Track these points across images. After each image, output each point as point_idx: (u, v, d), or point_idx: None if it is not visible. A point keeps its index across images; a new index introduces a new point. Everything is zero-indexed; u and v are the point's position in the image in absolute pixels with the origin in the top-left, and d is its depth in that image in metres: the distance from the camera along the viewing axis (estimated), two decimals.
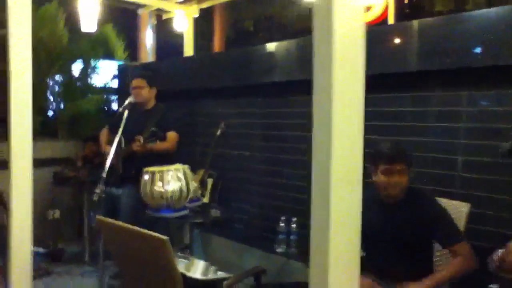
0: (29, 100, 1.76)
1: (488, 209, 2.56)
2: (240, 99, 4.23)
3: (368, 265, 2.31)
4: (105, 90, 5.37)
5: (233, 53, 4.45)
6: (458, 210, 2.50)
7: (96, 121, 5.00)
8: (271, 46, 3.81)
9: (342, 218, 0.88)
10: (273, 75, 3.76)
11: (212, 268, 2.01)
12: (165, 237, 1.75)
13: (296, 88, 3.71)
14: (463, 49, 2.65)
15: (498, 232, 2.48)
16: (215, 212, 3.04)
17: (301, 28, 10.54)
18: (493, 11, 2.52)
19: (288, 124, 3.80)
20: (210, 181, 4.14)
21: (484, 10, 2.59)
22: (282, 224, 3.55)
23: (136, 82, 3.64)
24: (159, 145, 3.32)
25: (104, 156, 3.76)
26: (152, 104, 3.74)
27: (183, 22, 5.08)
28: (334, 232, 0.89)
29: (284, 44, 3.73)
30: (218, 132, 4.30)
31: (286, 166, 3.80)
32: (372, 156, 2.31)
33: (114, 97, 5.49)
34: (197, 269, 1.99)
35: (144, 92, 3.63)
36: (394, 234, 2.21)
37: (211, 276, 1.98)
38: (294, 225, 3.51)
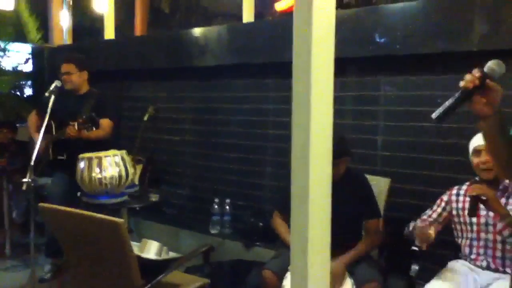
0: None
1: (406, 184, 2.88)
2: (170, 83, 4.23)
3: None
4: (17, 73, 5.03)
5: (162, 36, 4.41)
6: (379, 185, 2.80)
7: (8, 105, 4.68)
8: (202, 31, 3.85)
9: (319, 188, 1.01)
10: (204, 59, 3.82)
11: (165, 248, 2.07)
12: (120, 220, 1.78)
13: (227, 73, 3.81)
14: (380, 38, 2.93)
15: (415, 204, 2.81)
16: (154, 197, 3.06)
17: (219, 11, 10.55)
18: (413, 4, 2.80)
19: (219, 108, 3.90)
20: (138, 167, 4.11)
21: (405, 4, 2.86)
22: (216, 206, 3.65)
23: (64, 67, 3.48)
24: (93, 133, 3.24)
25: (31, 144, 3.59)
26: (85, 88, 3.61)
27: (104, 3, 4.89)
28: (312, 200, 1.01)
29: (215, 28, 3.80)
30: (146, 117, 4.27)
31: (218, 149, 3.90)
32: None
33: (28, 81, 5.16)
34: (150, 250, 2.03)
35: (74, 78, 3.49)
36: (333, 210, 2.42)
37: (164, 256, 2.04)
38: (227, 207, 3.64)
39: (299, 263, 1.03)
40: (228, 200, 3.64)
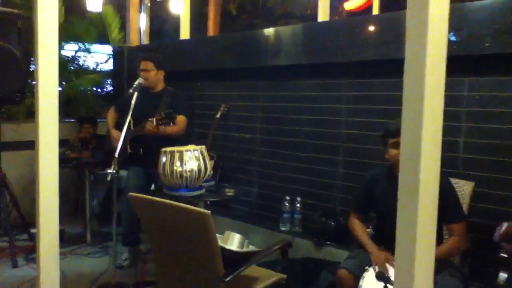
0: (55, 82, 1.66)
1: (490, 188, 2.74)
2: (242, 82, 4.31)
3: (380, 238, 2.48)
4: (99, 72, 5.34)
5: (236, 36, 4.50)
6: (462, 188, 2.69)
7: (91, 102, 4.98)
8: (276, 30, 3.89)
9: (428, 188, 1.00)
10: (277, 59, 3.85)
11: (246, 241, 2.12)
12: (208, 212, 1.84)
13: (299, 72, 3.82)
14: (463, 37, 2.81)
15: (500, 209, 2.67)
16: (229, 191, 3.13)
17: (283, 13, 10.61)
18: (502, 1, 2.67)
19: (290, 107, 3.91)
20: (210, 163, 4.22)
21: (493, 0, 2.74)
22: (287, 204, 3.67)
23: (143, 65, 3.66)
24: (170, 129, 3.39)
25: (107, 138, 3.81)
26: (161, 86, 3.77)
27: (180, 4, 5.07)
28: (422, 198, 1.00)
29: (290, 28, 3.82)
30: (219, 114, 4.37)
31: (288, 148, 3.92)
32: (381, 136, 2.48)
33: (108, 80, 5.47)
34: (233, 242, 2.09)
35: (151, 75, 3.65)
36: None
37: (245, 248, 2.09)
38: (298, 205, 3.65)
39: (405, 265, 1.02)
40: (298, 198, 3.65)
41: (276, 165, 4.02)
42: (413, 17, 1.00)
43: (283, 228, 3.64)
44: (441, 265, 2.20)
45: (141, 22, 5.56)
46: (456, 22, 2.83)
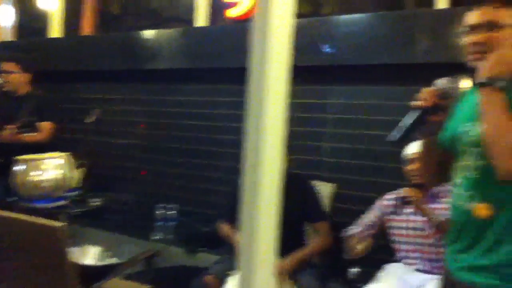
0: None
1: (350, 189, 2.95)
2: (119, 85, 4.12)
3: None
4: None
5: (113, 36, 4.29)
6: (324, 190, 2.86)
7: None
8: (154, 33, 3.80)
9: (269, 191, 1.02)
10: (155, 62, 3.75)
11: (108, 254, 2.00)
12: (58, 224, 1.70)
13: (177, 76, 3.76)
14: (330, 48, 3.00)
15: (359, 209, 2.87)
16: (95, 202, 2.95)
17: (169, 16, 10.45)
18: (362, 16, 2.89)
19: (167, 111, 3.84)
20: (82, 171, 3.96)
21: (353, 15, 2.95)
22: (160, 211, 3.58)
23: (5, 66, 3.30)
24: (30, 137, 3.10)
25: None
26: (25, 90, 3.43)
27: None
28: (262, 201, 1.01)
29: (168, 31, 3.76)
30: (91, 119, 4.12)
31: (165, 154, 3.83)
32: None
33: None
34: (91, 256, 1.96)
35: (13, 78, 3.32)
36: None
37: (105, 261, 1.97)
38: (172, 212, 3.57)
39: (246, 265, 1.03)
40: (172, 206, 3.58)
41: (153, 172, 3.91)
42: (257, 29, 1.01)
43: (155, 237, 3.53)
44: (301, 265, 2.30)
45: (5, 16, 5.06)
46: (322, 34, 3.01)
